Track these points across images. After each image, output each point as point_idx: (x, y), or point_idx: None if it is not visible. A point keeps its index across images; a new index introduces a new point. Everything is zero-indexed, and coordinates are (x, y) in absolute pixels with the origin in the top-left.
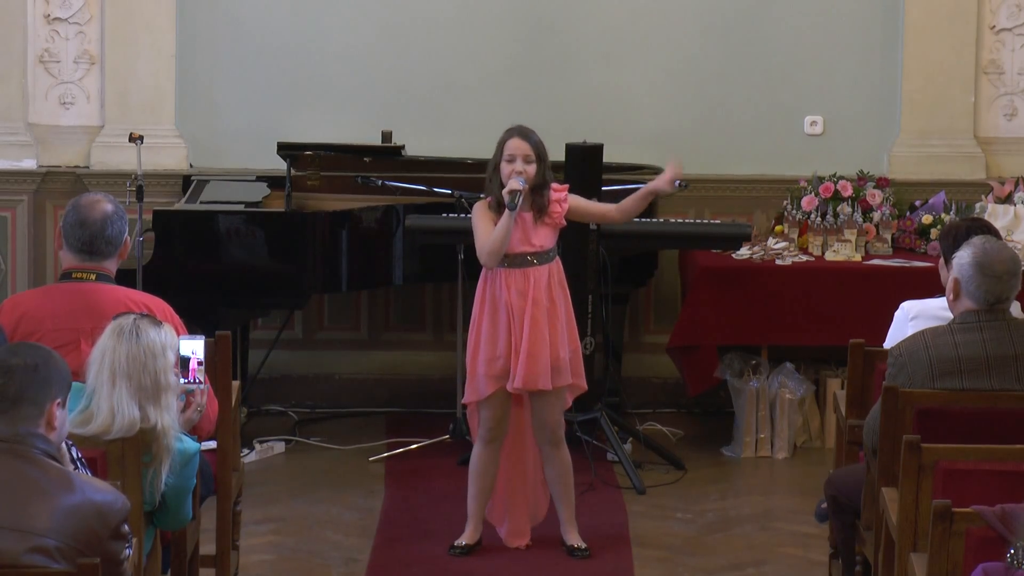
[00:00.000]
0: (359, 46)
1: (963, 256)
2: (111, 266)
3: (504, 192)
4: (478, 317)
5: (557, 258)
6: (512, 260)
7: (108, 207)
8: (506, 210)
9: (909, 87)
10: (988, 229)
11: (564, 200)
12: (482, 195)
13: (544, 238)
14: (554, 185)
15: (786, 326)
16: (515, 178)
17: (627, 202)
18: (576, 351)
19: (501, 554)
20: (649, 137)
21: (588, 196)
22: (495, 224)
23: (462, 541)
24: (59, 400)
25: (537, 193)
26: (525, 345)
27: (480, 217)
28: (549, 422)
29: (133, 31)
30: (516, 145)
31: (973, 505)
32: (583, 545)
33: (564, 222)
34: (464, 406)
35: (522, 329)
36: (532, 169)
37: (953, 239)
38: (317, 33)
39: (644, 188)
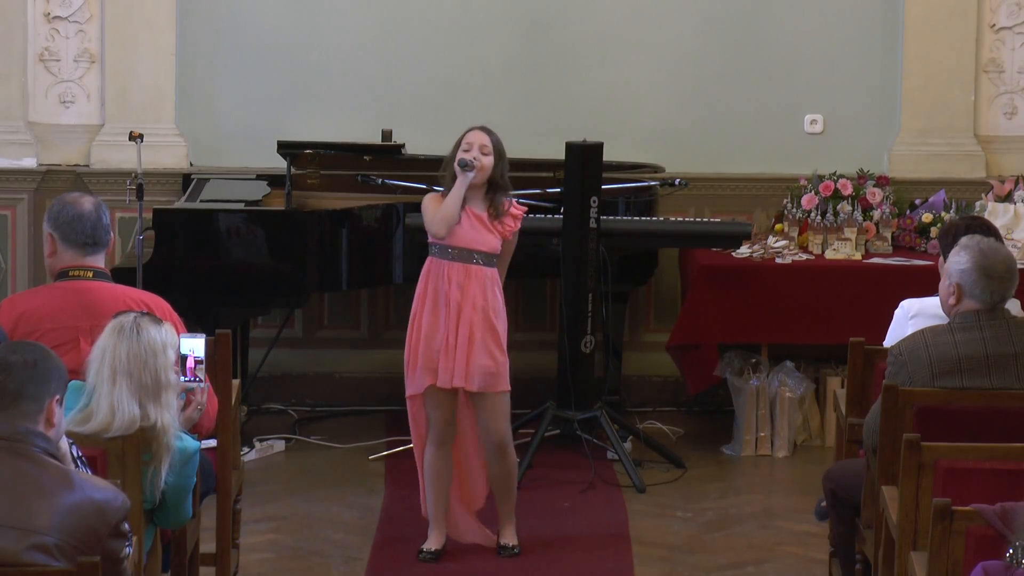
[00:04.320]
0: (359, 45)
1: (962, 261)
2: (104, 262)
3: (456, 162)
4: (418, 309)
5: (496, 268)
6: (458, 253)
7: (92, 199)
8: (459, 176)
9: (909, 85)
10: (987, 228)
11: (519, 219)
12: (436, 188)
13: (491, 243)
14: (515, 203)
15: (786, 324)
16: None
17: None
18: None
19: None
20: (649, 135)
21: (588, 194)
22: None
23: (430, 547)
24: (57, 397)
25: (493, 194)
26: (458, 343)
27: (430, 202)
28: (494, 429)
29: (133, 30)
30: (475, 135)
31: (973, 504)
32: (515, 543)
33: (510, 238)
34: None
35: (456, 326)
36: (488, 161)
37: (953, 238)
38: (317, 32)
39: None
